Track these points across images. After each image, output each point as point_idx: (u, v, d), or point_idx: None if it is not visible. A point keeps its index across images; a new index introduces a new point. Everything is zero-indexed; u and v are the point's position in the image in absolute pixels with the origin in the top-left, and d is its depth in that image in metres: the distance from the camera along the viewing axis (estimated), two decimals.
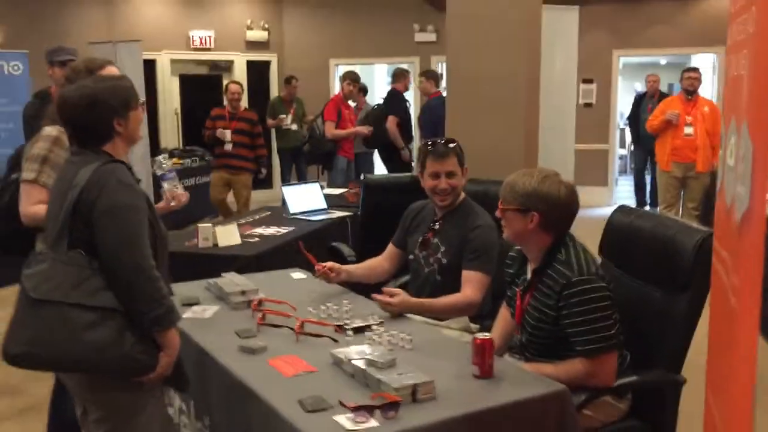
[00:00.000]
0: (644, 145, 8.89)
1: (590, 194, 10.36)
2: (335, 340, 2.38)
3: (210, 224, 3.98)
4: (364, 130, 7.52)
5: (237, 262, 3.65)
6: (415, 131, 8.21)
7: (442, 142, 3.00)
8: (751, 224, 1.45)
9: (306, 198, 5.05)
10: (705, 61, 10.83)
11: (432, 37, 10.56)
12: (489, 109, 4.09)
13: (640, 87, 10.13)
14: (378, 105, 8.01)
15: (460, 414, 1.88)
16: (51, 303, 1.95)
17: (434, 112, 6.79)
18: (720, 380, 1.72)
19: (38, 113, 3.38)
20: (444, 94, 6.61)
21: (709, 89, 10.49)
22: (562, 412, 2.03)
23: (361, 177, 4.70)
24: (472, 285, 2.83)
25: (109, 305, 1.98)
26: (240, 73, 10.66)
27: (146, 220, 2.06)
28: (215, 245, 3.91)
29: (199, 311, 2.72)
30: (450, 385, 2.03)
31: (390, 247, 3.20)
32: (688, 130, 6.79)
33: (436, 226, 3.04)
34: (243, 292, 2.81)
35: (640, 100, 9.34)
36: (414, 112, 8.70)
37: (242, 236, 4.12)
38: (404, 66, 9.14)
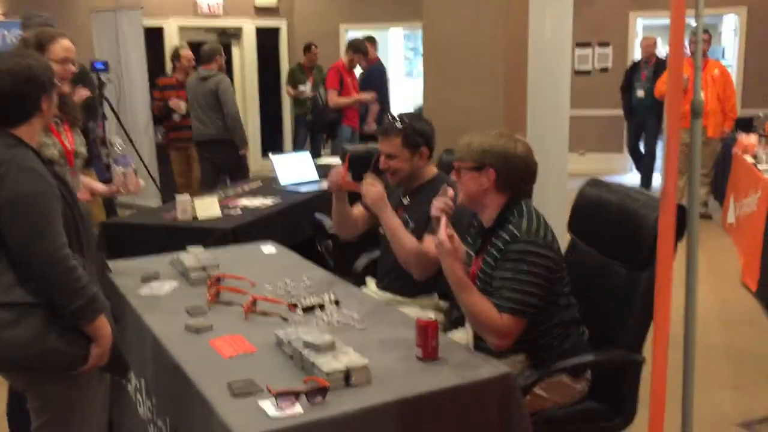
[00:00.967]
0: (636, 117, 8.24)
1: (608, 162, 10.09)
2: (285, 319, 2.32)
3: (188, 196, 3.93)
4: (368, 96, 7.22)
5: (213, 234, 3.61)
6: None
7: (391, 118, 2.89)
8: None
9: (297, 168, 4.97)
10: (727, 24, 10.47)
11: None
12: (466, 78, 3.93)
13: (663, 53, 9.52)
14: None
15: (394, 399, 1.81)
16: None
17: (377, 78, 7.31)
18: None
19: None
20: None
21: (731, 52, 10.16)
22: (506, 395, 1.95)
23: (340, 148, 4.58)
24: (431, 241, 2.68)
25: (28, 300, 1.91)
26: (249, 40, 10.54)
27: (56, 206, 1.96)
28: (195, 218, 3.86)
29: (157, 287, 2.67)
30: (391, 368, 1.96)
31: (364, 210, 3.04)
32: None
33: (406, 202, 2.95)
34: (204, 268, 2.76)
35: (634, 68, 8.52)
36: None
37: (226, 208, 4.06)
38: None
